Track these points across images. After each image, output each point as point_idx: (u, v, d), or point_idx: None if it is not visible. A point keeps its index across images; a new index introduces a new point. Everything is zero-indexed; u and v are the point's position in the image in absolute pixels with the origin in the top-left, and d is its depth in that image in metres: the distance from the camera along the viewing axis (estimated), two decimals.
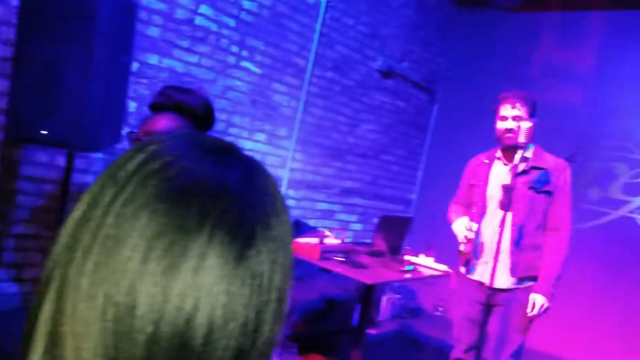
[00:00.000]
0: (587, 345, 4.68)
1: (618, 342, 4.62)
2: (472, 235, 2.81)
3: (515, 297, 2.83)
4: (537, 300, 2.74)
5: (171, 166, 0.43)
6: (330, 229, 3.86)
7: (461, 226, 2.87)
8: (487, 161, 3.01)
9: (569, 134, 4.78)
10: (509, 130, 2.79)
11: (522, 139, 2.68)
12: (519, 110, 2.78)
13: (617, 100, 5.00)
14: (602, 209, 4.97)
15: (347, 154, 5.22)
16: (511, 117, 2.79)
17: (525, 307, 2.81)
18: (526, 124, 2.71)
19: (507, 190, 2.67)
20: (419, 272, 3.67)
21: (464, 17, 6.07)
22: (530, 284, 2.83)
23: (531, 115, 2.81)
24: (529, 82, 4.62)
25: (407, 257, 3.78)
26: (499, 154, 2.96)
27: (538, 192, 2.80)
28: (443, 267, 3.79)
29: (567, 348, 4.71)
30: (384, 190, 5.79)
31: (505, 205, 2.63)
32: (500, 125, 2.82)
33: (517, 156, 2.70)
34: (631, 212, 4.88)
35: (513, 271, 2.81)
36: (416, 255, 3.95)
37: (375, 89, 5.37)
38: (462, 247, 2.88)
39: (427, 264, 3.86)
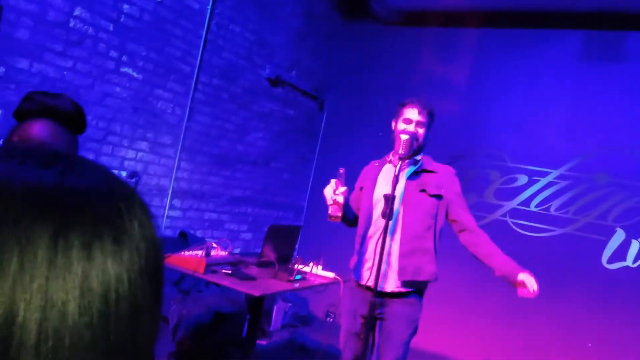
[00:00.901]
0: (463, 342, 5.00)
1: (493, 338, 4.98)
2: (340, 199, 2.78)
3: (396, 311, 2.87)
4: (528, 275, 2.72)
5: None
6: (217, 240, 3.82)
7: (327, 189, 2.84)
8: (377, 164, 3.06)
9: (448, 143, 5.09)
10: (412, 134, 2.82)
11: (401, 150, 2.76)
12: (424, 118, 2.87)
13: (491, 112, 5.41)
14: (478, 212, 5.34)
15: (236, 162, 5.20)
16: (415, 121, 2.86)
17: (406, 320, 2.86)
18: (422, 132, 2.85)
19: (388, 199, 2.73)
20: (308, 280, 3.72)
21: (349, 29, 6.28)
22: (411, 293, 2.89)
23: (429, 126, 2.93)
24: (409, 92, 4.84)
25: (296, 266, 3.82)
26: (391, 156, 2.98)
27: (430, 196, 2.88)
28: (331, 275, 3.88)
29: (447, 346, 4.99)
30: (275, 198, 5.83)
31: (385, 214, 2.69)
32: (402, 127, 2.86)
33: (398, 166, 2.72)
34: (503, 215, 5.30)
35: (401, 274, 2.84)
36: (306, 263, 4.00)
37: (264, 96, 5.40)
38: (330, 210, 2.83)
39: (316, 272, 3.93)
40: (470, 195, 5.29)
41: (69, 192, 0.42)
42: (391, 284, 2.87)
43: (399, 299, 2.88)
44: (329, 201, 2.81)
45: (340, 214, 2.82)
